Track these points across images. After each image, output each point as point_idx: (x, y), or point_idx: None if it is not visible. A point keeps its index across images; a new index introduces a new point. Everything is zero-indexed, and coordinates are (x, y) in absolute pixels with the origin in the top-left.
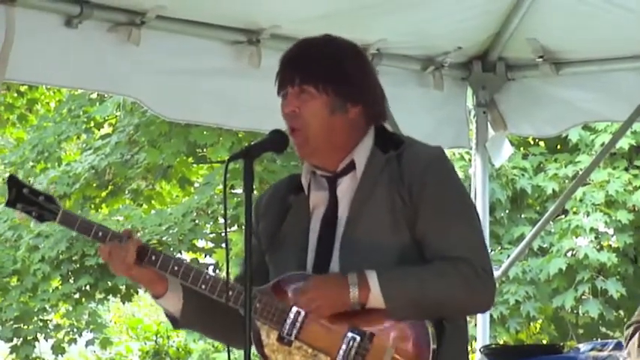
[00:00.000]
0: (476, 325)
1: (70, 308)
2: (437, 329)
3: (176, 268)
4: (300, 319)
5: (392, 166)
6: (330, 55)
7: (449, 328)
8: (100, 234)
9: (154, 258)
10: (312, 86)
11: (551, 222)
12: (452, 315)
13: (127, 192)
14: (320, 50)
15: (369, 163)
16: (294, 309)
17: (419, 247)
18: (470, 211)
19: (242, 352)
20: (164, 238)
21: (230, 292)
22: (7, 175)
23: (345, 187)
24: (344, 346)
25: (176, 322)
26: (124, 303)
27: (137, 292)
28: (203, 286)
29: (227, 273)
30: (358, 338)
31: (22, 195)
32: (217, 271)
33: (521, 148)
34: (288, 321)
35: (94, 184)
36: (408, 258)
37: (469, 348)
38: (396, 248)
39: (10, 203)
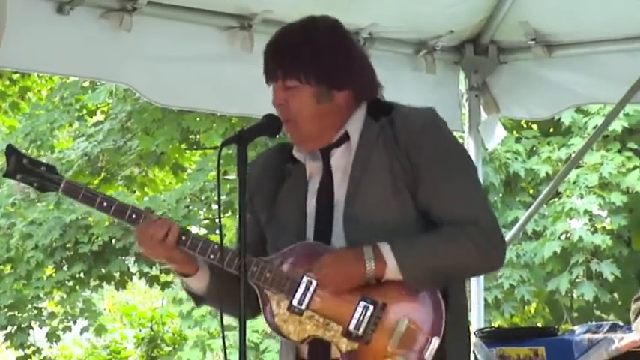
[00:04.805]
0: (471, 309)
1: (65, 296)
2: (443, 296)
3: (183, 237)
4: (311, 288)
5: (386, 131)
6: (309, 45)
7: (451, 292)
8: (105, 204)
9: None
10: (294, 79)
11: (544, 205)
12: (465, 278)
13: (120, 179)
14: (298, 40)
15: (363, 133)
16: (305, 278)
17: (423, 211)
18: (469, 167)
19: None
20: None
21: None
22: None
23: (339, 158)
24: (356, 315)
25: (200, 300)
26: (118, 290)
27: (131, 279)
28: (212, 256)
29: (222, 258)
30: (371, 307)
31: (22, 165)
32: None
33: (514, 132)
34: (299, 290)
35: (87, 171)
36: (414, 225)
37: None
38: (400, 217)
39: (9, 174)
